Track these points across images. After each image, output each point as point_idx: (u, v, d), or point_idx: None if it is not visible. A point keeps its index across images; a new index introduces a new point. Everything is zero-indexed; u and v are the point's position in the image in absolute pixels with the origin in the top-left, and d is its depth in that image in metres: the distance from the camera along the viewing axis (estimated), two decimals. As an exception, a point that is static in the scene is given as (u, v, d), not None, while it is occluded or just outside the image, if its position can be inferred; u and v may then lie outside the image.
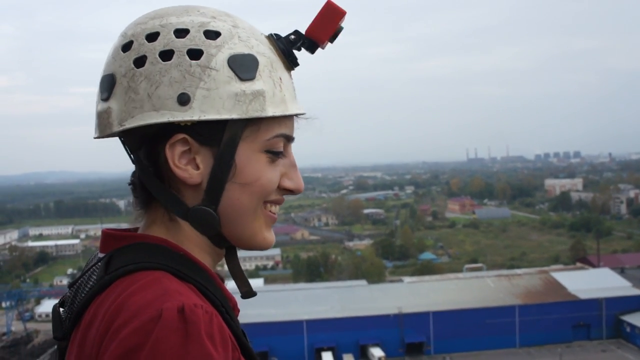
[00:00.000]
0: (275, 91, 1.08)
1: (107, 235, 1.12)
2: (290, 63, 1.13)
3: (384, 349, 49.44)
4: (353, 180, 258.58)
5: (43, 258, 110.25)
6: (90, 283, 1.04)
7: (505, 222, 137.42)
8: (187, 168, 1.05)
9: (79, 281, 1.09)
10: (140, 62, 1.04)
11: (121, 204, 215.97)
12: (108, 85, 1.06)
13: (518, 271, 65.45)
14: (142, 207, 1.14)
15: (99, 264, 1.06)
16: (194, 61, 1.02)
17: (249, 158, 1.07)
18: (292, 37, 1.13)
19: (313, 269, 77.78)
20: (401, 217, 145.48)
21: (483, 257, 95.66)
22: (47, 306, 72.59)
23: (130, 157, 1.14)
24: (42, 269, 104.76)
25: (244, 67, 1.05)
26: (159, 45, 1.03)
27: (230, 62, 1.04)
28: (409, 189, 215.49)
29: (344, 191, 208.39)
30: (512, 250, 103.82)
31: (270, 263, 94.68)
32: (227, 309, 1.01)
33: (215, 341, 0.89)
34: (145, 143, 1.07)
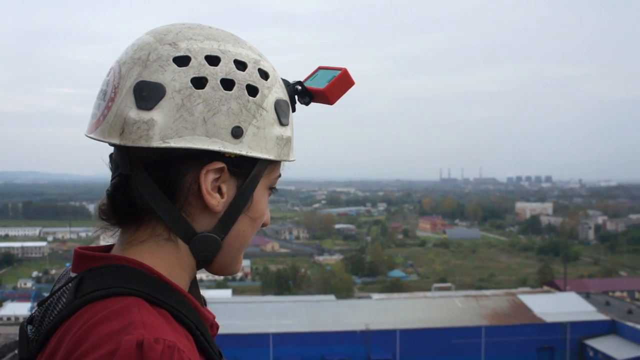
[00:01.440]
0: (292, 135, 1.15)
1: (78, 255, 1.09)
2: (293, 109, 1.18)
3: (349, 365, 49.31)
4: (326, 194, 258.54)
5: (7, 259, 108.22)
6: (60, 306, 1.01)
7: (475, 243, 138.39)
8: (216, 196, 1.06)
9: (49, 301, 1.06)
10: (199, 83, 1.02)
11: (91, 207, 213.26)
12: (155, 94, 1.01)
13: (486, 292, 65.85)
14: (120, 222, 1.10)
15: (69, 285, 1.03)
16: (251, 97, 1.05)
17: (262, 194, 1.13)
18: (299, 87, 1.18)
19: (282, 282, 77.52)
20: (372, 234, 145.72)
21: (452, 277, 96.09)
22: (9, 309, 71.26)
23: (123, 168, 1.06)
24: (6, 270, 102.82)
25: (284, 112, 1.11)
26: (221, 72, 1.04)
27: (276, 107, 1.09)
28: (382, 206, 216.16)
29: (316, 205, 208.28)
30: (481, 271, 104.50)
31: (240, 274, 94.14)
32: (202, 332, 1.00)
33: None
34: (169, 163, 1.04)
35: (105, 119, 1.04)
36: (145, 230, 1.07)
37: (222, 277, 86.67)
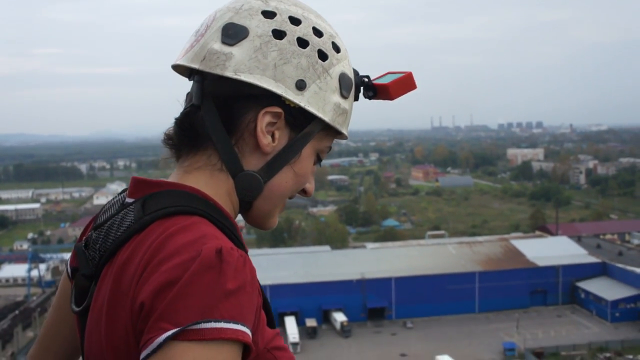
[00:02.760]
0: (350, 114, 1.27)
1: (138, 181, 1.19)
2: (356, 98, 1.29)
3: (346, 314, 50.08)
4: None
5: (2, 222, 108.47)
6: (126, 224, 1.10)
7: (468, 190, 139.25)
8: (268, 137, 1.16)
9: (108, 223, 1.15)
10: (278, 34, 1.15)
11: (83, 167, 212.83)
12: (238, 34, 1.15)
13: (479, 238, 66.62)
14: (187, 149, 1.20)
15: (132, 206, 1.13)
16: (320, 60, 1.17)
17: (309, 155, 1.23)
18: (366, 80, 1.29)
19: (277, 235, 77.94)
20: (365, 184, 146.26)
21: (445, 224, 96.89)
22: (7, 271, 71.57)
23: (195, 98, 1.19)
24: (2, 233, 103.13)
25: (346, 86, 1.22)
26: (299, 32, 1.17)
27: (340, 78, 1.21)
28: (374, 156, 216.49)
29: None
30: (474, 218, 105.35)
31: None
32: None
33: (246, 282, 0.97)
34: (235, 99, 1.16)
35: (192, 49, 1.18)
36: (202, 157, 1.18)
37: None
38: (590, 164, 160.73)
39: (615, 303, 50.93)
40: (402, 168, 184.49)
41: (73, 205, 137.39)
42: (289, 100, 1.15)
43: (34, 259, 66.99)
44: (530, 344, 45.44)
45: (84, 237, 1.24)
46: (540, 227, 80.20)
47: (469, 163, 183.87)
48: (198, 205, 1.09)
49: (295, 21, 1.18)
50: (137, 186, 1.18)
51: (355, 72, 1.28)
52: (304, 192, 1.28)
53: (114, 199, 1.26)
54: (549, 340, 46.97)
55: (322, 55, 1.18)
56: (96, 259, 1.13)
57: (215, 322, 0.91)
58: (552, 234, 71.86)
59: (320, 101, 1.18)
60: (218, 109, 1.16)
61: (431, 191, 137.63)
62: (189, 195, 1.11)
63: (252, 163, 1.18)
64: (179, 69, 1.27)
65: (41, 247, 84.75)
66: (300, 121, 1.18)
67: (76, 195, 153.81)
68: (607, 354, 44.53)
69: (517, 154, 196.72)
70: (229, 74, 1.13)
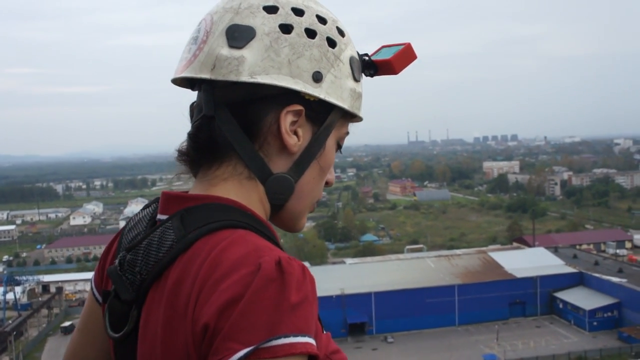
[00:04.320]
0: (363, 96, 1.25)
1: (169, 196, 1.15)
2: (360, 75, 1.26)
3: (326, 330, 49.84)
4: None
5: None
6: (168, 243, 1.05)
7: (445, 204, 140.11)
8: (294, 137, 1.13)
9: (144, 243, 1.09)
10: (285, 29, 1.11)
11: (59, 188, 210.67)
12: (245, 35, 1.10)
13: (457, 251, 66.95)
14: (209, 162, 1.15)
15: (169, 223, 1.07)
16: (330, 48, 1.14)
17: (332, 146, 1.21)
18: (365, 58, 1.25)
19: (256, 252, 77.66)
20: (343, 199, 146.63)
21: (423, 238, 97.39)
22: (-18, 294, 70.36)
23: (207, 109, 1.13)
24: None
25: (357, 69, 1.20)
26: (305, 22, 1.13)
27: (350, 62, 1.18)
28: (351, 172, 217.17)
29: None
30: (452, 231, 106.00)
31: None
32: None
33: (308, 292, 0.95)
34: (251, 103, 1.12)
35: (196, 59, 1.12)
36: (227, 167, 1.13)
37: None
38: (565, 176, 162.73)
39: (593, 312, 51.43)
40: (380, 183, 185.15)
41: (49, 226, 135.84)
42: (308, 95, 1.12)
43: (10, 281, 65.94)
44: (510, 355, 45.70)
45: (110, 259, 1.22)
46: (517, 238, 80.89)
47: (445, 177, 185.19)
48: (239, 217, 1.06)
49: (298, 12, 1.14)
50: (169, 201, 1.14)
51: (357, 53, 1.25)
52: (325, 183, 1.26)
53: (137, 215, 1.22)
54: (528, 351, 47.21)
55: (331, 43, 1.15)
56: (136, 282, 1.08)
57: (284, 337, 0.90)
58: (529, 245, 72.46)
59: (337, 89, 1.16)
60: (235, 116, 1.12)
61: (409, 205, 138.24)
62: (227, 208, 1.08)
63: (279, 165, 1.15)
64: (178, 81, 1.21)
65: (17, 269, 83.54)
66: (320, 114, 1.16)
67: (52, 216, 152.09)
68: (586, 364, 44.93)
69: (493, 167, 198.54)
70: (244, 78, 1.09)
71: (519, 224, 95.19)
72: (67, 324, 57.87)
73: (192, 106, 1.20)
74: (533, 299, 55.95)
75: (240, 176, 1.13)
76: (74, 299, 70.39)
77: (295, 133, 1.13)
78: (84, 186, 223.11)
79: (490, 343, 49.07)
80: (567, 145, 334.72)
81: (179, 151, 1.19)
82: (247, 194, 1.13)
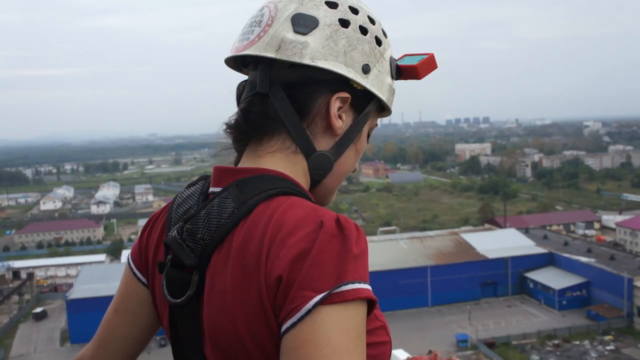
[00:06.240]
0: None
1: (222, 170, 1.25)
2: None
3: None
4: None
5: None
6: (229, 209, 1.16)
7: (418, 186, 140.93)
8: (340, 120, 1.26)
9: (202, 212, 1.18)
10: (344, 23, 1.25)
11: (28, 172, 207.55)
12: (310, 24, 1.23)
13: (430, 233, 67.39)
14: (259, 135, 1.26)
15: (226, 193, 1.18)
16: (377, 46, 1.29)
17: (365, 133, 1.34)
18: (395, 62, 1.38)
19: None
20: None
21: (396, 220, 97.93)
22: (-50, 280, 69.38)
23: (261, 87, 1.24)
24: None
25: (394, 69, 1.35)
26: (359, 20, 1.27)
27: (391, 61, 1.33)
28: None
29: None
30: (424, 213, 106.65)
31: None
32: None
33: (365, 246, 1.07)
34: (305, 85, 1.24)
35: (261, 39, 1.24)
36: (277, 141, 1.25)
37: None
38: (536, 158, 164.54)
39: (562, 292, 52.37)
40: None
41: (19, 211, 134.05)
42: (357, 84, 1.25)
43: (-21, 267, 65.09)
44: (482, 335, 46.41)
45: (155, 235, 1.31)
46: (489, 220, 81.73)
47: (418, 159, 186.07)
48: (290, 185, 1.19)
49: (354, 10, 1.28)
50: (223, 174, 1.24)
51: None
52: (352, 170, 1.38)
53: (184, 192, 1.30)
54: (500, 330, 47.97)
55: (378, 42, 1.29)
56: (198, 248, 1.16)
57: (351, 283, 1.01)
58: (500, 226, 73.34)
59: (379, 83, 1.29)
60: (288, 95, 1.23)
61: (382, 187, 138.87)
62: (278, 179, 1.19)
63: (322, 144, 1.27)
64: (231, 61, 1.34)
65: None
66: (362, 103, 1.29)
67: (22, 201, 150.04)
68: (556, 341, 45.79)
69: (465, 149, 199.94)
70: (306, 61, 1.21)
71: (491, 206, 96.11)
72: (38, 310, 57.42)
73: (240, 85, 1.33)
74: (504, 280, 56.71)
75: (287, 150, 1.25)
76: (45, 284, 69.74)
77: (340, 117, 1.26)
78: (54, 170, 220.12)
79: (463, 323, 49.76)
80: (538, 127, 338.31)
81: (228, 124, 1.30)
82: (293, 167, 1.25)
